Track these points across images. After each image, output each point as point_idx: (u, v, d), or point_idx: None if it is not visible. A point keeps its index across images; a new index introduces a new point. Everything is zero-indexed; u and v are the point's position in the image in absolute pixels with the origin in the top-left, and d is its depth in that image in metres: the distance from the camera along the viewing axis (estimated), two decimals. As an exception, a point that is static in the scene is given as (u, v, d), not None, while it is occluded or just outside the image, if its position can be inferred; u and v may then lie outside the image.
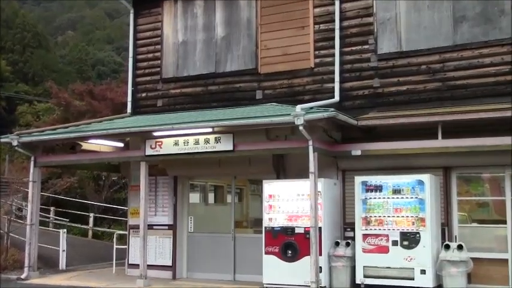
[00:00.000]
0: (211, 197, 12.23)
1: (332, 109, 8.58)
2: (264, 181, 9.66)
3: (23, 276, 10.89)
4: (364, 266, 8.64)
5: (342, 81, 10.07)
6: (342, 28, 10.15)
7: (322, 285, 8.71)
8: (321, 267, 8.71)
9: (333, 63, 10.20)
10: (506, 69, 8.76)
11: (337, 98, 9.94)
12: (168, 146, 9.90)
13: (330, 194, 9.32)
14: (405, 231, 8.50)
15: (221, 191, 11.91)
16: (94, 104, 20.36)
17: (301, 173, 9.06)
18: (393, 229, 8.60)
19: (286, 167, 10.27)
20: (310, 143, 8.48)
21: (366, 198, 8.87)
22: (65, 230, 13.05)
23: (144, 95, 12.24)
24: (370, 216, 8.81)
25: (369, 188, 8.83)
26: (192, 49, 11.62)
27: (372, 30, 9.96)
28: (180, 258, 11.26)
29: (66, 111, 21.08)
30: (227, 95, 11.21)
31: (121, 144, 11.83)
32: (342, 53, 10.14)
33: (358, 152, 9.09)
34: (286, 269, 9.03)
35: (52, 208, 18.56)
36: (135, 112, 12.19)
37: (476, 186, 9.02)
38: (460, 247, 8.31)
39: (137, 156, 10.35)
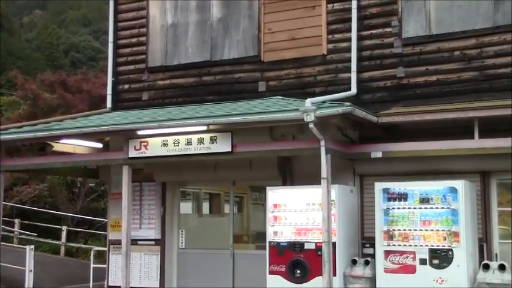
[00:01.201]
0: (205, 206, 12.34)
1: (348, 103, 8.63)
2: (267, 188, 9.70)
3: (-21, 303, 11.09)
4: (386, 289, 8.66)
5: (359, 71, 10.13)
6: (360, 8, 10.20)
7: (337, 310, 8.75)
8: (335, 289, 8.75)
9: (349, 50, 10.24)
10: (557, 55, 8.84)
11: (353, 90, 10.02)
12: (155, 147, 9.93)
13: (345, 203, 9.38)
14: (435, 247, 8.52)
15: (217, 200, 12.03)
16: (67, 97, 20.50)
17: (312, 178, 9.06)
18: (421, 245, 8.61)
19: (293, 171, 10.33)
20: (322, 143, 8.48)
21: (388, 208, 8.89)
22: (33, 247, 13.07)
23: (126, 86, 12.30)
24: (393, 230, 8.84)
25: (391, 197, 8.87)
26: (183, 33, 11.68)
27: (396, 10, 10.00)
28: (170, 279, 11.30)
29: (34, 105, 21.17)
30: (224, 87, 11.28)
31: (99, 145, 11.81)
32: (359, 38, 10.19)
33: (379, 154, 9.16)
34: (294, 291, 9.09)
35: (17, 220, 18.63)
36: (116, 107, 12.23)
37: (522, 194, 9.01)
38: (501, 267, 8.29)
39: (118, 159, 10.35)
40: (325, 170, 8.45)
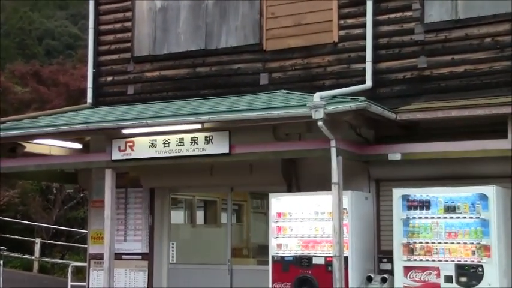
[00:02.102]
0: (200, 215, 12.40)
1: (362, 98, 8.64)
2: (270, 195, 9.77)
3: None
4: (406, 310, 8.69)
5: (375, 61, 10.16)
6: (376, -12, 10.24)
7: (350, 335, 8.81)
8: (348, 311, 8.82)
9: (363, 37, 10.26)
10: None
11: (368, 83, 10.04)
12: (142, 148, 9.98)
13: (359, 212, 9.41)
14: (463, 263, 8.50)
15: (213, 208, 12.07)
16: (42, 90, 20.70)
17: (321, 183, 9.17)
18: (446, 260, 8.61)
19: (300, 176, 10.41)
20: (333, 143, 8.53)
21: (409, 217, 8.91)
22: (1, 262, 13.19)
23: (109, 79, 12.32)
24: (414, 243, 8.84)
25: (412, 204, 8.88)
26: (175, 18, 11.72)
27: (417, -9, 10.02)
28: (159, 298, 11.42)
29: (4, 100, 21.17)
30: (221, 79, 11.32)
31: (79, 146, 11.89)
32: (375, 23, 10.21)
33: (398, 156, 9.19)
34: (301, 313, 9.16)
35: (-18, 233, 18.74)
36: (97, 102, 12.26)
37: None
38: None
39: (100, 161, 10.40)
40: (336, 174, 8.48)
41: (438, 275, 8.57)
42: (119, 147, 10.12)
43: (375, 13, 10.18)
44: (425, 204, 8.77)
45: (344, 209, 8.85)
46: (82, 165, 11.22)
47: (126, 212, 11.68)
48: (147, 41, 11.95)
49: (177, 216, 12.00)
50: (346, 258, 8.77)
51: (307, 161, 10.04)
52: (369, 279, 9.15)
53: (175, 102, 11.25)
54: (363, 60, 10.17)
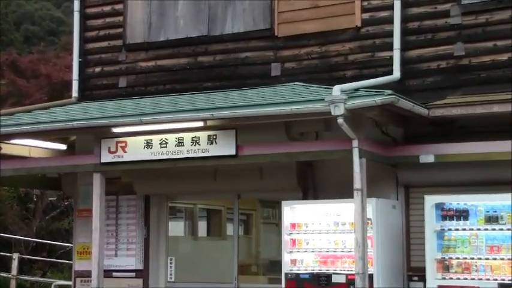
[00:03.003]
0: (202, 227, 12.44)
1: (389, 91, 8.55)
2: (283, 203, 9.79)
3: None
4: (441, 337, 8.74)
5: (404, 48, 10.14)
6: (405, -36, 10.19)
7: None
8: (373, 337, 8.89)
9: (390, 20, 10.24)
10: None
11: (396, 74, 10.03)
12: (135, 149, 10.01)
13: (386, 223, 9.40)
14: (507, 282, 8.48)
15: (218, 218, 12.09)
16: (20, 83, 20.67)
17: (341, 190, 9.18)
18: (487, 278, 8.58)
19: (317, 181, 10.45)
20: (355, 143, 8.52)
21: (443, 229, 8.90)
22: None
23: (98, 69, 12.29)
24: (450, 258, 8.84)
25: (447, 214, 8.88)
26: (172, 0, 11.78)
27: (453, -34, 9.95)
28: (155, 322, 11.56)
29: (-24, 94, 21.24)
30: (227, 70, 11.29)
31: (62, 147, 11.91)
32: (404, 4, 10.17)
33: (431, 158, 9.20)
34: None
35: (-49, 247, 18.80)
36: (84, 96, 12.26)
37: None
38: None
39: (87, 164, 10.41)
40: (358, 179, 8.49)
41: (478, 296, 8.57)
42: (109, 148, 10.13)
43: (404, -8, 10.19)
44: (462, 214, 8.77)
45: (368, 219, 8.84)
46: (66, 169, 11.15)
47: (118, 222, 11.72)
48: (141, 26, 11.94)
49: (176, 228, 12.03)
50: (370, 276, 8.74)
51: (325, 164, 10.05)
52: (397, 300, 9.16)
53: (173, 96, 11.24)
54: (389, 47, 10.14)
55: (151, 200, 11.65)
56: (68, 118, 10.26)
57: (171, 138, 9.75)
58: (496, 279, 8.56)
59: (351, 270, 8.93)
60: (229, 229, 11.39)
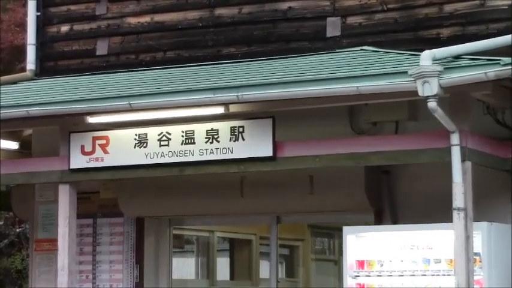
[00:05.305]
0: (223, 265, 11.81)
1: (508, 59, 7.41)
2: (346, 229, 8.70)
3: None
4: None
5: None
6: None
7: None
8: None
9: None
10: None
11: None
12: (122, 149, 9.03)
13: (502, 259, 8.40)
14: None
15: (246, 253, 11.59)
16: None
17: (433, 210, 8.47)
18: None
19: (397, 196, 9.44)
20: (455, 138, 7.51)
21: None
22: None
23: (65, 29, 11.23)
24: None
25: None
26: None
27: None
28: None
29: None
30: (259, 28, 10.21)
31: (13, 145, 10.79)
32: None
33: None
34: None
35: None
36: (45, 69, 11.29)
37: None
38: None
39: (50, 171, 9.43)
40: (460, 194, 7.57)
41: None
42: (83, 147, 9.14)
43: None
44: None
45: (475, 254, 7.91)
46: (18, 179, 10.02)
47: (95, 259, 10.57)
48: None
49: (184, 267, 11.32)
50: None
51: (409, 171, 9.03)
52: None
53: (178, 68, 10.23)
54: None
55: (147, 224, 10.63)
56: (21, 102, 9.33)
57: (176, 131, 8.77)
58: None
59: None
60: (264, 269, 10.80)
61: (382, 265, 8.49)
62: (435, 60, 7.39)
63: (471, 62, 7.63)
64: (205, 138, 8.61)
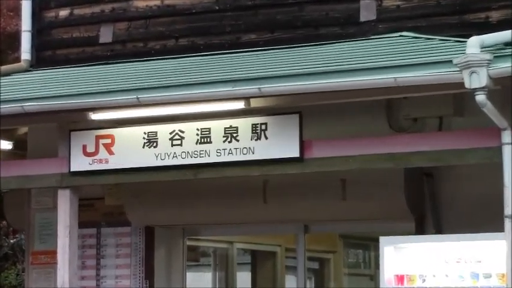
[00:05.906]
0: (244, 280, 11.92)
1: None
2: (383, 240, 8.33)
3: None
4: None
5: None
6: None
7: None
8: None
9: None
10: None
11: None
12: (129, 149, 8.88)
13: None
14: None
15: (270, 267, 11.65)
16: None
17: (482, 218, 8.29)
18: None
19: (441, 202, 9.27)
20: (507, 136, 7.42)
21: None
22: None
23: (64, 13, 11.01)
24: None
25: None
26: None
27: None
28: None
29: None
30: (284, 13, 9.97)
31: (6, 145, 10.70)
32: None
33: None
34: None
35: None
36: (42, 59, 11.11)
37: None
38: None
39: (48, 175, 9.22)
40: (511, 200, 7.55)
41: None
42: (85, 147, 8.99)
43: None
44: None
45: None
46: (12, 184, 9.78)
47: (100, 273, 10.35)
48: None
49: (199, 283, 11.38)
50: None
51: (455, 173, 8.89)
52: None
53: (192, 58, 10.04)
54: None
55: (157, 235, 10.40)
56: (15, 96, 9.13)
57: (190, 129, 8.66)
58: None
59: None
60: (291, 285, 10.82)
61: (424, 280, 8.17)
62: (484, 47, 7.22)
63: (529, 48, 7.54)
64: (223, 136, 8.50)
